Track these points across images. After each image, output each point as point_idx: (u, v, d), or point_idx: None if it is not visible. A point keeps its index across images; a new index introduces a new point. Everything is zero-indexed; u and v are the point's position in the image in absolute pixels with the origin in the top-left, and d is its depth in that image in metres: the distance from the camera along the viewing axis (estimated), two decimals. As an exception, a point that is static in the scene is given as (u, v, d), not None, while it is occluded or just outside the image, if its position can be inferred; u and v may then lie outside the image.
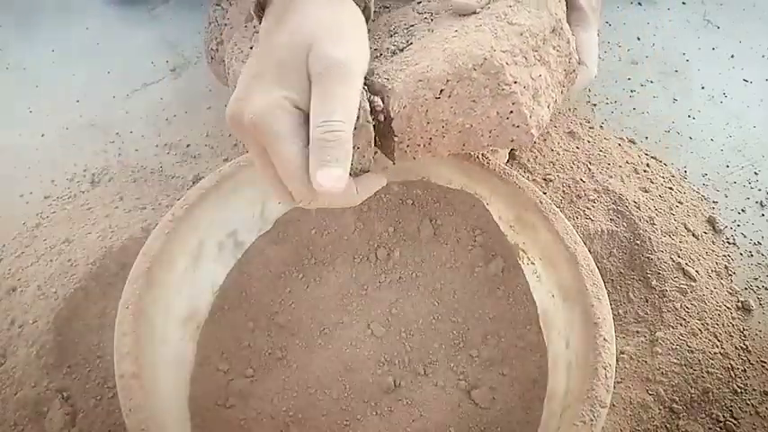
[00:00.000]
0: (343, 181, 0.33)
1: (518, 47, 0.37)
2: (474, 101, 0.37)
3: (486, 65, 0.36)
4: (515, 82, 0.37)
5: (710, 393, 0.47)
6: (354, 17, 0.38)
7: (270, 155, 0.34)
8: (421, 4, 0.45)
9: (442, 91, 0.36)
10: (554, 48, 0.40)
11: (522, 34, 0.37)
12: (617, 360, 0.47)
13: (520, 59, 0.37)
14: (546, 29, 0.39)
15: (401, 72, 0.37)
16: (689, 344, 0.49)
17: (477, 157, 0.46)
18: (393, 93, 0.37)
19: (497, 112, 0.37)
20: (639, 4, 0.85)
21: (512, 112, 0.37)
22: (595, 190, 0.58)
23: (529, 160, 0.62)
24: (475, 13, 0.40)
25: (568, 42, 0.41)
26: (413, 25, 0.42)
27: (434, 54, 0.37)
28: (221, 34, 0.67)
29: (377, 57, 0.40)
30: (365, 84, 0.37)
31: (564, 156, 0.62)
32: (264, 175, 0.36)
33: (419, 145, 0.39)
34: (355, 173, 0.37)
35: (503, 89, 0.36)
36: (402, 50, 0.40)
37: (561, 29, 0.40)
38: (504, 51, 0.36)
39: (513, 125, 0.38)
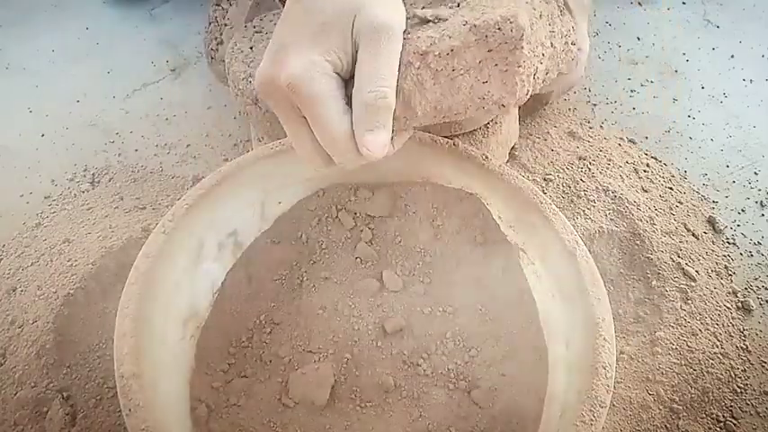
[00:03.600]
0: (387, 146, 0.34)
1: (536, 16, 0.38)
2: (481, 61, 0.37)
3: (512, 25, 0.36)
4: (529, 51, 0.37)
5: (710, 393, 0.47)
6: None
7: (310, 119, 0.34)
8: None
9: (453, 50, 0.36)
10: (561, 28, 0.41)
11: (540, 17, 0.38)
12: (617, 360, 0.47)
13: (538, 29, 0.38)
14: (554, 11, 0.40)
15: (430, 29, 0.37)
16: (689, 344, 0.49)
17: (477, 157, 0.46)
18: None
19: (500, 70, 0.37)
20: (639, 4, 0.85)
21: (507, 72, 0.37)
22: (595, 190, 0.58)
23: (529, 160, 0.62)
24: None
25: (572, 29, 0.42)
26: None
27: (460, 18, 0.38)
28: (221, 34, 0.67)
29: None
30: None
31: (564, 156, 0.62)
32: (298, 143, 0.37)
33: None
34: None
35: (518, 44, 0.37)
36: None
37: (562, 12, 0.42)
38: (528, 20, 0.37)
39: (505, 87, 0.38)
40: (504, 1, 0.37)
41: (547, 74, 0.41)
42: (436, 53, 0.36)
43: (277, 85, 0.34)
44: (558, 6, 0.41)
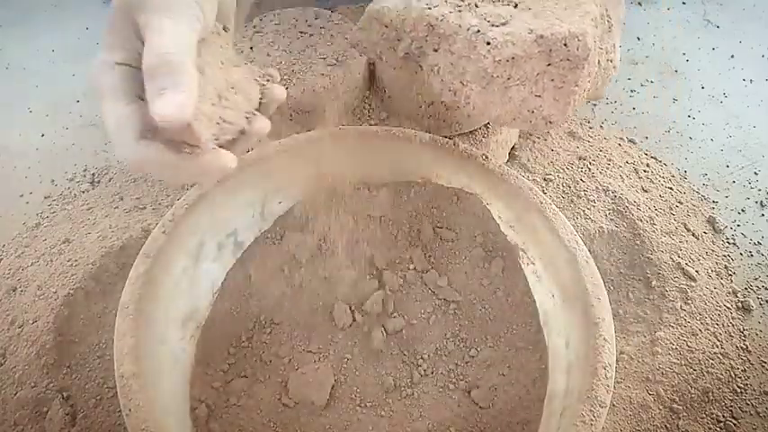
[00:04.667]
0: (188, 109, 0.29)
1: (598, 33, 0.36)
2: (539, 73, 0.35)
3: (580, 44, 0.34)
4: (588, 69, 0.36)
5: (710, 393, 0.47)
6: None
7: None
8: None
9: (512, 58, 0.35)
10: (607, 45, 0.39)
11: (596, 25, 0.36)
12: (617, 360, 0.47)
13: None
14: (606, 29, 0.38)
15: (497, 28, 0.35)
16: (689, 344, 0.49)
17: (477, 157, 0.46)
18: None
19: (555, 86, 0.35)
20: (639, 4, 0.85)
21: (562, 90, 0.35)
22: (595, 190, 0.58)
23: (529, 160, 0.62)
24: None
25: (614, 46, 0.40)
26: None
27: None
28: (221, 34, 0.67)
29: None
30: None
31: (564, 156, 0.62)
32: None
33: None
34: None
35: (581, 64, 0.35)
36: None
37: (610, 30, 0.39)
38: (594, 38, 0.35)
39: (556, 101, 0.36)
40: (572, 8, 0.35)
41: (585, 92, 0.39)
42: (497, 59, 0.33)
43: None
44: (609, 23, 0.39)
